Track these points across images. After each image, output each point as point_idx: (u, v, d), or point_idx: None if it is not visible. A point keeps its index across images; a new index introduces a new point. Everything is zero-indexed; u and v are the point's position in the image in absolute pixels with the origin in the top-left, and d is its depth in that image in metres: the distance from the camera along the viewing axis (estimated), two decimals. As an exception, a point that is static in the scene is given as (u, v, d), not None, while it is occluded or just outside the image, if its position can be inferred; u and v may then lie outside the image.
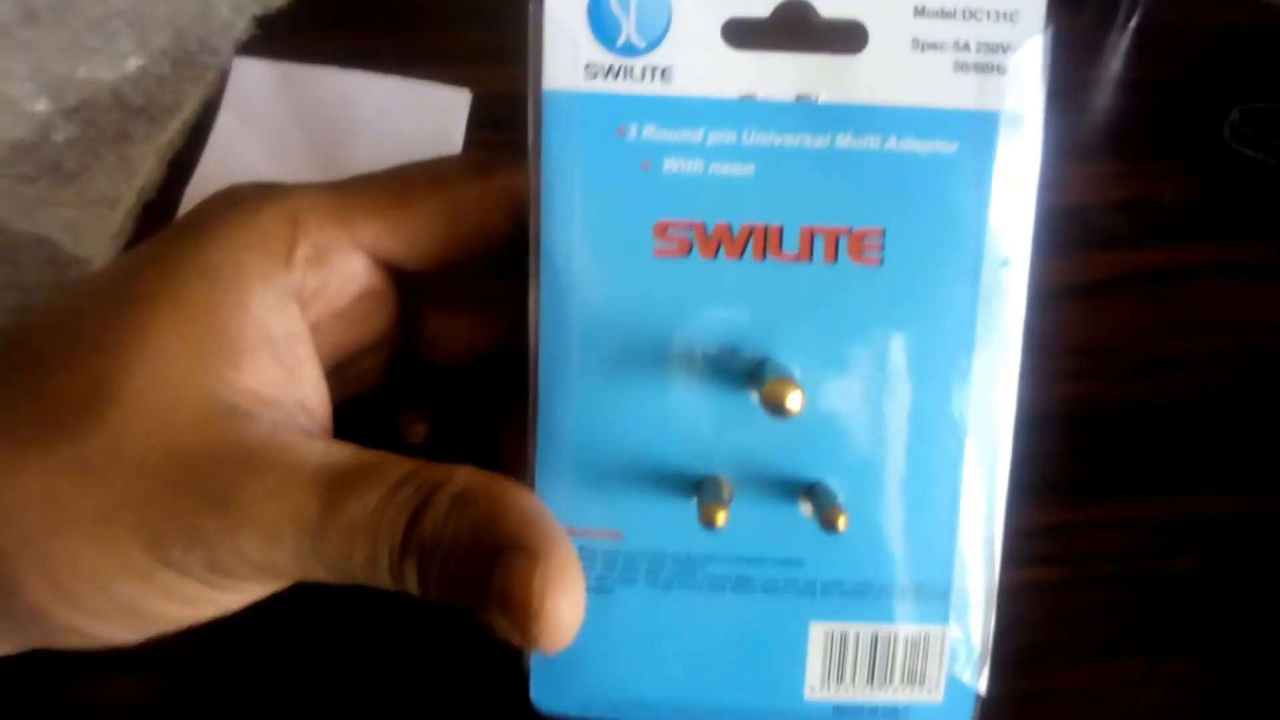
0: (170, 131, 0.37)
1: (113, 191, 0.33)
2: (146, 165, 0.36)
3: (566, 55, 0.22)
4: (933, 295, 0.23)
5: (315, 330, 0.23)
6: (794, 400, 0.21)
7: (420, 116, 0.38)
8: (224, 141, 0.38)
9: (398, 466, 0.21)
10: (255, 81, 0.39)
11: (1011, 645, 0.25)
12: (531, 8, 0.22)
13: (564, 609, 0.20)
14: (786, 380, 0.21)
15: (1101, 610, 0.30)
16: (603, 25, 0.22)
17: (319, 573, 0.21)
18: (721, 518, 0.22)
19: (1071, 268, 0.38)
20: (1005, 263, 0.23)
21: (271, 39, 0.41)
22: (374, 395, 0.28)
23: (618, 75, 0.22)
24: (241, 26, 0.40)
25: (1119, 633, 0.30)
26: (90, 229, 0.32)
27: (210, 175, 0.21)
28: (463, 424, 0.29)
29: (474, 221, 0.24)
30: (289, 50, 0.40)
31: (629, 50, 0.22)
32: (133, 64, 0.37)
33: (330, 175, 0.24)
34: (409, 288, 0.26)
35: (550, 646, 0.20)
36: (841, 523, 0.22)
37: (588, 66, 0.22)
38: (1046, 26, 0.22)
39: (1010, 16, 0.22)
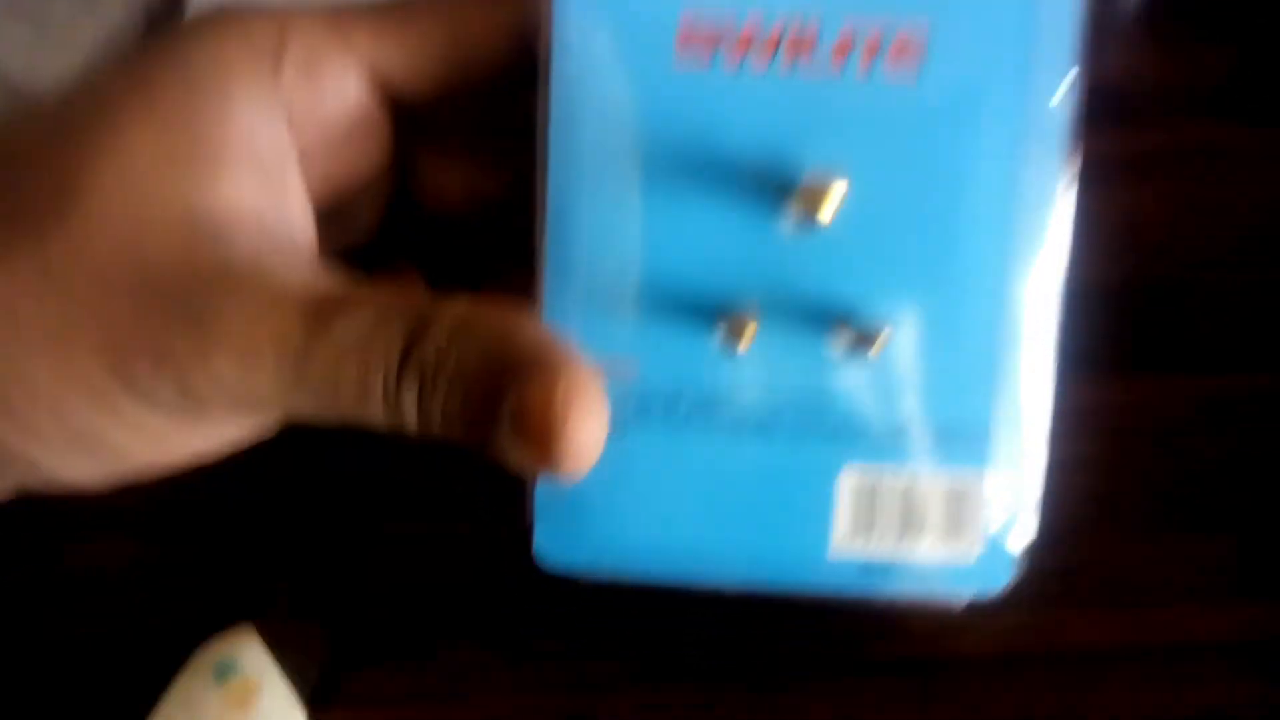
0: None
1: (70, 23, 0.31)
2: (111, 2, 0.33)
3: None
4: (976, 110, 0.21)
5: (305, 157, 0.21)
6: (834, 197, 0.19)
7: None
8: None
9: (394, 293, 0.19)
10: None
11: (1047, 520, 0.24)
12: None
13: (589, 427, 0.18)
14: (824, 180, 0.19)
15: (1141, 487, 0.29)
16: None
17: (303, 404, 0.19)
18: (747, 335, 0.20)
19: (1114, 144, 0.36)
20: (1051, 86, 0.21)
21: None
22: (366, 250, 0.26)
23: None
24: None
25: (1158, 509, 0.29)
26: (46, 61, 0.30)
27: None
28: (460, 282, 0.26)
29: (480, 43, 0.22)
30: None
31: None
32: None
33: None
34: (406, 126, 0.24)
35: (573, 468, 0.18)
36: (878, 343, 0.20)
37: None
38: None
39: None
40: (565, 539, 0.23)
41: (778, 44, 0.21)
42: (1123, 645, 0.27)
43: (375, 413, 0.19)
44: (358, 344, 0.18)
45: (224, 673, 0.25)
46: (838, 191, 0.19)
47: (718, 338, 0.21)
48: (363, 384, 0.18)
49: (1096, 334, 0.31)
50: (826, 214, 0.19)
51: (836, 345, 0.22)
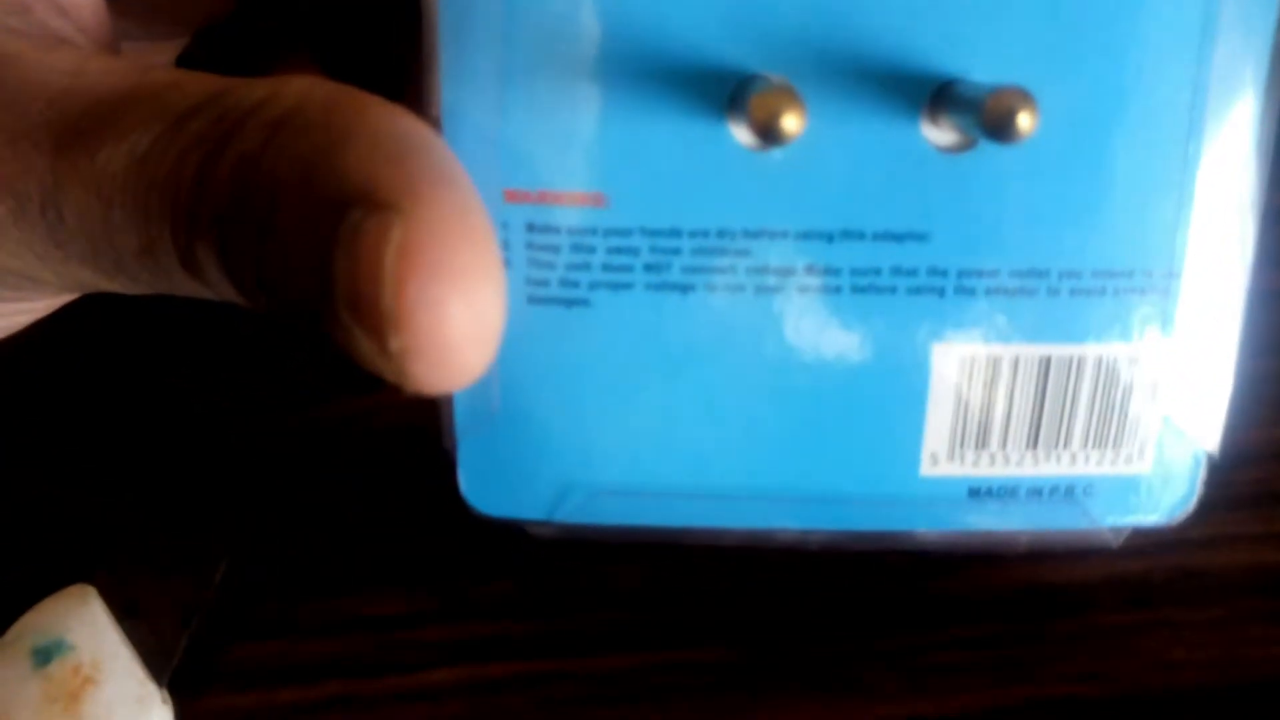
0: None
1: None
2: None
3: None
4: None
5: None
6: None
7: None
8: None
9: (197, 85, 0.13)
10: None
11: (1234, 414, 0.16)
12: None
13: (446, 303, 0.11)
14: None
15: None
16: None
17: (74, 274, 0.13)
18: (792, 120, 0.12)
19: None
20: None
21: None
22: (222, 29, 0.20)
23: None
24: None
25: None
26: None
27: None
28: (362, 69, 0.20)
29: None
30: None
31: None
32: None
33: None
34: None
35: (429, 378, 0.11)
36: (1025, 117, 0.12)
37: None
38: None
39: None
40: (509, 472, 0.15)
41: None
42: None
43: (181, 283, 0.13)
44: (131, 176, 0.12)
45: (47, 654, 0.20)
46: None
47: (736, 129, 0.13)
48: (146, 240, 0.12)
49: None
50: None
51: (936, 131, 0.13)
